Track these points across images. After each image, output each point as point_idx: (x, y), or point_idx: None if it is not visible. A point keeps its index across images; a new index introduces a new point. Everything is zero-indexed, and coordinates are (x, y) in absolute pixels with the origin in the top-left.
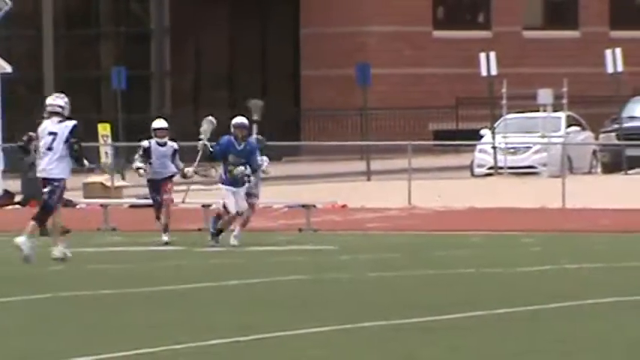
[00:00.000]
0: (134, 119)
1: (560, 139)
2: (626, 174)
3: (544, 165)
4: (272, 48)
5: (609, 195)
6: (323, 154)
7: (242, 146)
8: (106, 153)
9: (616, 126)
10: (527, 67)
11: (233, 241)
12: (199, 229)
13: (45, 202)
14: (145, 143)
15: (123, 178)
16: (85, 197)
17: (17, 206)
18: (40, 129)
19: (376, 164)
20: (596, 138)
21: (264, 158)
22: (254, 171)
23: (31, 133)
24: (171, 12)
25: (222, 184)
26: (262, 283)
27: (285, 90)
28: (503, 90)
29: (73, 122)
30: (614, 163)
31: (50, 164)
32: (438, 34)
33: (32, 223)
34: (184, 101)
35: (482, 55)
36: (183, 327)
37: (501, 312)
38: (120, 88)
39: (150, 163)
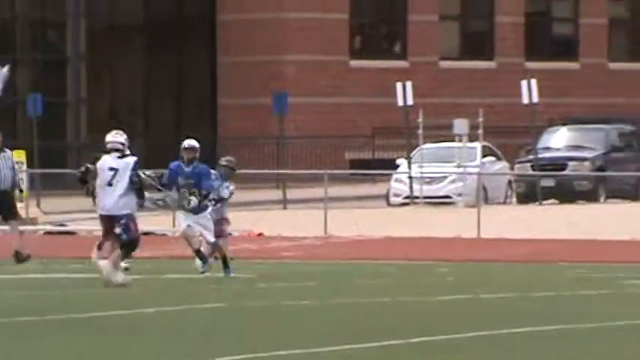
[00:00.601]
0: (50, 146)
1: (476, 169)
2: (541, 204)
3: (460, 195)
4: (188, 76)
5: (524, 225)
6: (239, 182)
7: (190, 169)
8: (21, 179)
9: (531, 157)
10: (443, 97)
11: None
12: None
13: (126, 239)
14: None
15: (37, 206)
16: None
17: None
18: (99, 164)
19: (292, 193)
20: (512, 168)
21: (228, 185)
22: (204, 196)
23: (88, 165)
24: (88, 39)
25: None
26: (176, 311)
27: (201, 118)
28: (420, 120)
29: (134, 158)
30: (529, 194)
31: (113, 201)
32: (354, 63)
33: (118, 253)
34: (100, 128)
35: (399, 85)
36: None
37: (417, 341)
38: (36, 114)
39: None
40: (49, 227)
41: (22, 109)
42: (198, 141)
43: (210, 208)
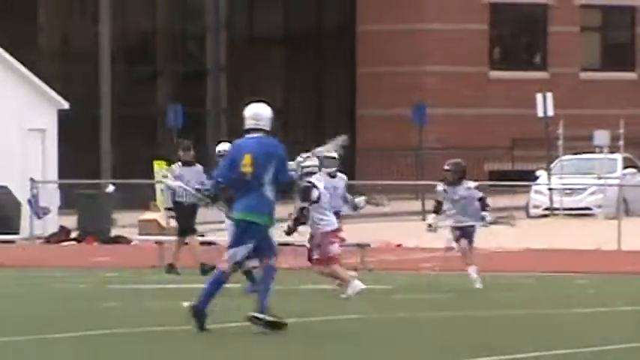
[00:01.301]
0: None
1: (617, 181)
2: None
3: (600, 206)
4: (327, 87)
5: None
6: (378, 193)
7: None
8: (162, 190)
9: None
10: (583, 109)
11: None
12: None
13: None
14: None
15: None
16: (140, 234)
17: (73, 242)
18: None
19: (431, 204)
20: None
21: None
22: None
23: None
24: (228, 51)
25: None
26: (319, 321)
27: (340, 129)
28: (560, 131)
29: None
30: None
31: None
32: (494, 74)
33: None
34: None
35: (539, 96)
36: None
37: (558, 353)
38: (176, 125)
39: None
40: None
41: (163, 120)
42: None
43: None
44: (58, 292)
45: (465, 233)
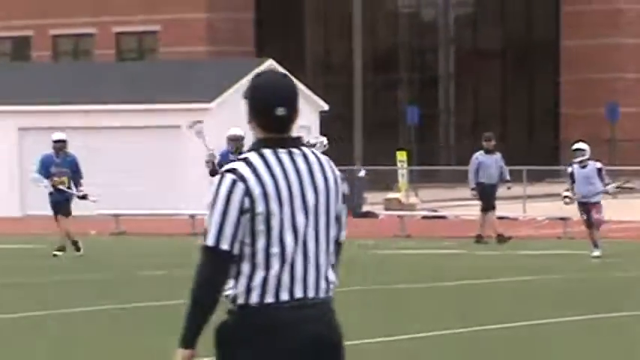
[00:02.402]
0: (425, 148)
1: None
2: None
3: None
4: (536, 91)
5: None
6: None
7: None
8: (402, 175)
9: None
10: None
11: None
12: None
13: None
14: (569, 169)
15: (416, 195)
16: (385, 210)
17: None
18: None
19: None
20: None
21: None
22: None
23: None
24: (456, 61)
25: None
26: (535, 280)
27: (546, 125)
28: None
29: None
30: None
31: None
32: None
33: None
34: (465, 134)
35: None
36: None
37: None
38: (413, 123)
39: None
40: (424, 213)
41: (402, 119)
42: (543, 144)
43: None
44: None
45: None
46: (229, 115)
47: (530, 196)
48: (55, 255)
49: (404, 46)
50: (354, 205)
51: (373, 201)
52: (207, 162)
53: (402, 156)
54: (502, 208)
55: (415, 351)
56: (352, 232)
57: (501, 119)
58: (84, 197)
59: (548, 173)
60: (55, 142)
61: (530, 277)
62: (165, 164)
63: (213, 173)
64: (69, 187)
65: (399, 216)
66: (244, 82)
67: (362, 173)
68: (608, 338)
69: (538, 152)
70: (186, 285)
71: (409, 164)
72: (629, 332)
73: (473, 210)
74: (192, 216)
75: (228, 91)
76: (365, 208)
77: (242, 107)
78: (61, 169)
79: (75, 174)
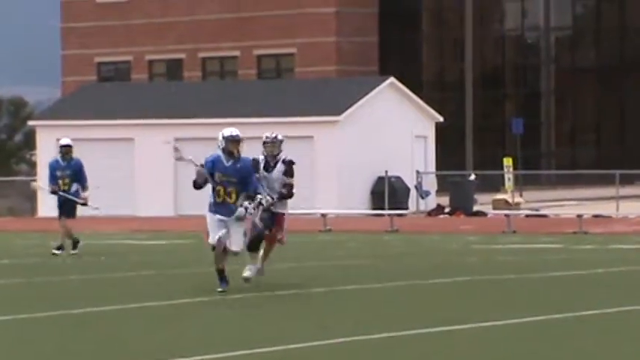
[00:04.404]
0: (528, 155)
1: None
2: None
3: None
4: (627, 105)
5: None
6: None
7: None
8: (509, 178)
9: None
10: None
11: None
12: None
13: None
14: None
15: (520, 196)
16: (494, 209)
17: (446, 215)
18: None
19: None
20: None
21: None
22: (249, 197)
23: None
24: (556, 78)
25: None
26: (628, 271)
27: (637, 133)
28: None
29: None
30: None
31: None
32: None
33: None
34: (564, 143)
35: None
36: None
37: None
38: (518, 132)
39: None
40: (527, 212)
41: (508, 129)
42: (634, 150)
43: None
44: (437, 250)
45: None
46: (357, 126)
47: (622, 197)
48: (53, 254)
49: (509, 65)
50: (465, 206)
51: (483, 202)
52: (197, 176)
53: (508, 162)
54: (598, 208)
55: (517, 334)
56: (464, 229)
57: (596, 130)
58: (84, 204)
59: (638, 176)
60: (61, 147)
61: (624, 267)
62: (300, 170)
63: (198, 186)
64: (68, 191)
65: (505, 215)
66: (369, 98)
67: (472, 177)
68: None
69: (629, 158)
70: None
71: (514, 169)
72: None
73: (570, 209)
74: (323, 215)
75: (355, 106)
76: (475, 208)
77: (367, 119)
78: (65, 174)
79: (79, 179)
